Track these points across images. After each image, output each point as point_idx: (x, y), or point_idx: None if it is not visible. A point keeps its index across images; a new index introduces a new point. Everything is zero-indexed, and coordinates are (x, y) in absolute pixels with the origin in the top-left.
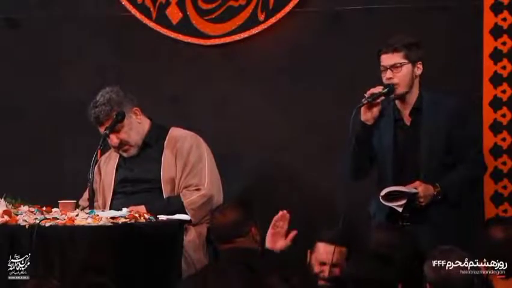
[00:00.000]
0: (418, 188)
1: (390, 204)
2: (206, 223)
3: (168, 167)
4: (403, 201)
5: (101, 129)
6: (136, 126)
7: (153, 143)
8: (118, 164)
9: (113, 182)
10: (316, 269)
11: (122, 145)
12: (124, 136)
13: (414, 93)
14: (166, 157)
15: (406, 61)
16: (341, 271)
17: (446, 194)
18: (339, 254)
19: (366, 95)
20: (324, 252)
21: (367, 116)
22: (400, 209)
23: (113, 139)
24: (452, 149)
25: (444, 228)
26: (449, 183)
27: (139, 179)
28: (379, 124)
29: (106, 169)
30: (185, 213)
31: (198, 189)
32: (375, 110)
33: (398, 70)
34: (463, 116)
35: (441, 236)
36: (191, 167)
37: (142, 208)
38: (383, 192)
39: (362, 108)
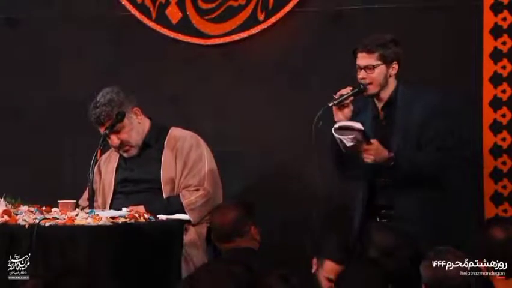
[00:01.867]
0: (374, 143)
1: (340, 137)
2: (206, 223)
3: (168, 167)
4: (352, 136)
5: (102, 130)
6: (137, 127)
7: (153, 143)
8: (118, 164)
9: (113, 182)
10: (324, 285)
11: (123, 145)
12: (124, 136)
13: (389, 89)
14: (166, 157)
15: (380, 62)
16: None
17: (398, 164)
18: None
19: (336, 96)
20: (331, 270)
21: (339, 117)
22: (349, 143)
23: (114, 140)
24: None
25: (423, 225)
26: (407, 157)
27: (139, 180)
28: (359, 120)
29: (106, 169)
30: (185, 213)
31: (197, 190)
32: (347, 111)
33: (372, 71)
34: (444, 112)
35: (421, 232)
36: (191, 167)
37: (141, 208)
38: (336, 125)
39: (334, 110)
